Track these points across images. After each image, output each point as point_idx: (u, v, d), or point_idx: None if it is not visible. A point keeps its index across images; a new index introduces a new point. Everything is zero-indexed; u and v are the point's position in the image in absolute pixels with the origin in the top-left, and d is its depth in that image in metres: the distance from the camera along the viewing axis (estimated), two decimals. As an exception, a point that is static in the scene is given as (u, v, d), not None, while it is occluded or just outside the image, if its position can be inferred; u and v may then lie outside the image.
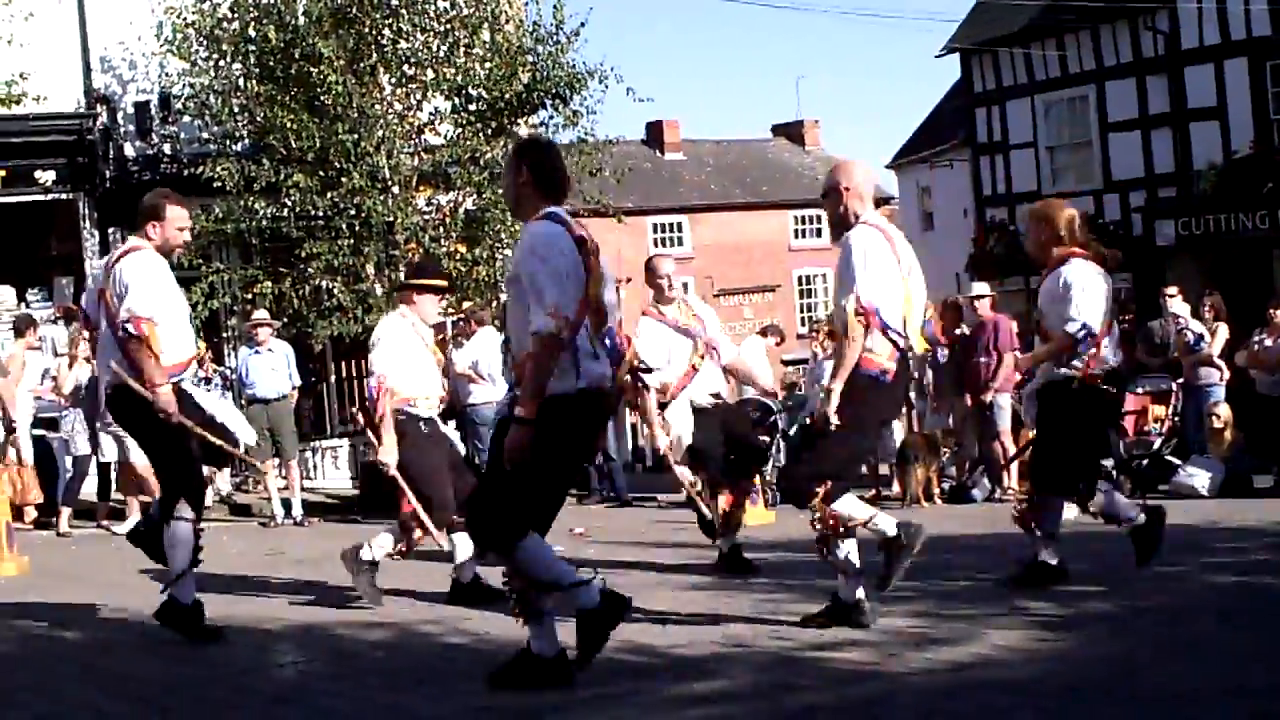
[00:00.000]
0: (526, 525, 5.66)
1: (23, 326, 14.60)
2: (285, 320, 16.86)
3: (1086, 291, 7.64)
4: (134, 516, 13.65)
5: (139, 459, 13.56)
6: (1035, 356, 7.88)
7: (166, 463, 7.17)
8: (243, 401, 14.46)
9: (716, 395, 9.18)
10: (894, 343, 6.54)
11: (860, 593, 6.73)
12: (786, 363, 25.30)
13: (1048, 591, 7.66)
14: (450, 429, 9.26)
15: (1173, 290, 15.48)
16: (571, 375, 5.58)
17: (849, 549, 6.69)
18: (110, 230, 18.12)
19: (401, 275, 17.55)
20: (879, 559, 6.78)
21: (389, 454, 7.94)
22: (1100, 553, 9.05)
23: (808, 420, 6.98)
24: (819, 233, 45.62)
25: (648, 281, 9.25)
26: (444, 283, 8.90)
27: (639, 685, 5.83)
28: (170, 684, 6.30)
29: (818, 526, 6.64)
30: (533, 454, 5.54)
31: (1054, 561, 7.86)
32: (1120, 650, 6.27)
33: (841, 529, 6.61)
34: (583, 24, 18.10)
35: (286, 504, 14.64)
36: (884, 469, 15.54)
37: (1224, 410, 14.09)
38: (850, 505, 6.68)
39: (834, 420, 6.44)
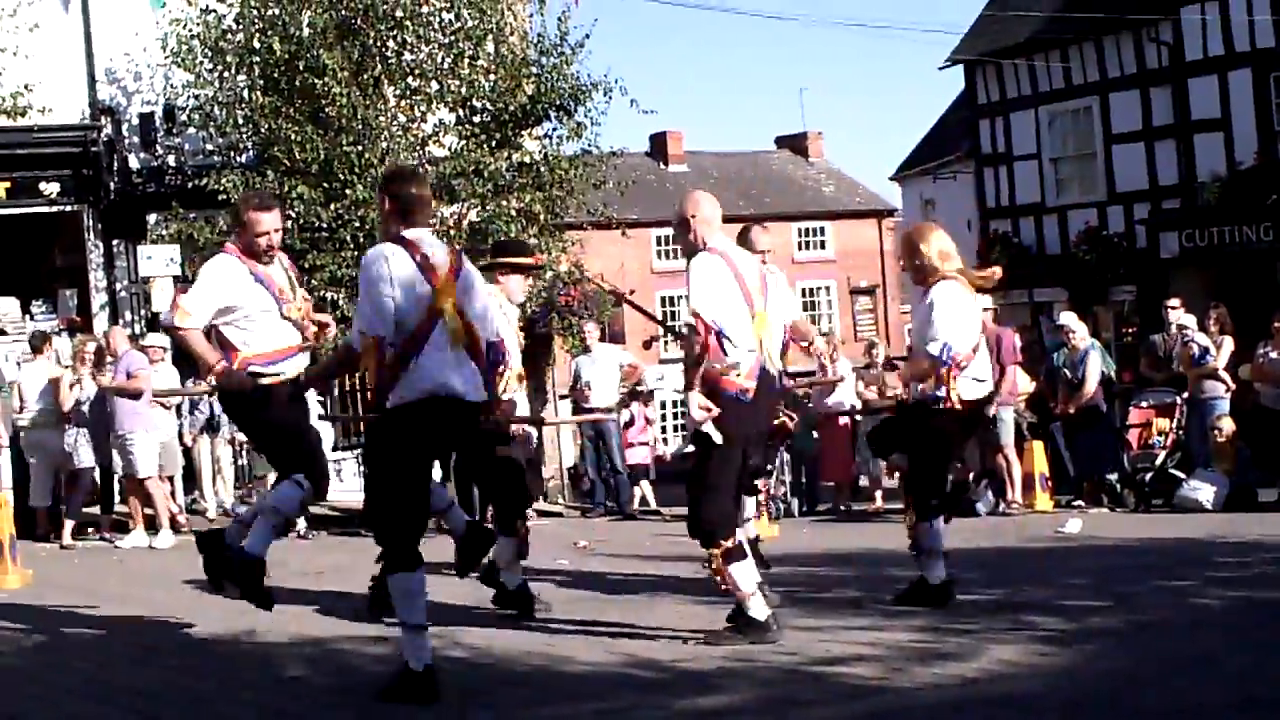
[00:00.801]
0: (413, 542, 5.99)
1: (39, 343, 14.73)
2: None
3: (950, 312, 7.65)
4: (138, 529, 13.68)
5: (143, 472, 13.60)
6: (900, 375, 7.91)
7: (272, 453, 7.51)
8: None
9: None
10: (741, 365, 6.80)
11: (764, 610, 6.88)
12: (792, 375, 25.27)
13: (1053, 607, 7.66)
14: None
15: (1174, 302, 15.47)
16: (415, 383, 5.96)
17: (743, 571, 6.89)
18: (115, 242, 18.13)
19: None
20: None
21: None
22: (1103, 568, 9.05)
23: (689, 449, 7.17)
24: (823, 245, 45.70)
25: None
26: (531, 260, 8.82)
27: (643, 699, 5.82)
28: (173, 696, 6.29)
29: (714, 576, 6.91)
30: (391, 461, 6.04)
31: (935, 580, 7.82)
32: (1125, 665, 6.25)
33: (727, 584, 6.83)
34: (587, 36, 18.09)
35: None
36: (889, 482, 15.53)
37: (1227, 424, 14.07)
38: (744, 575, 6.86)
39: (716, 436, 6.72)
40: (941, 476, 8.07)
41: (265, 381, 7.13)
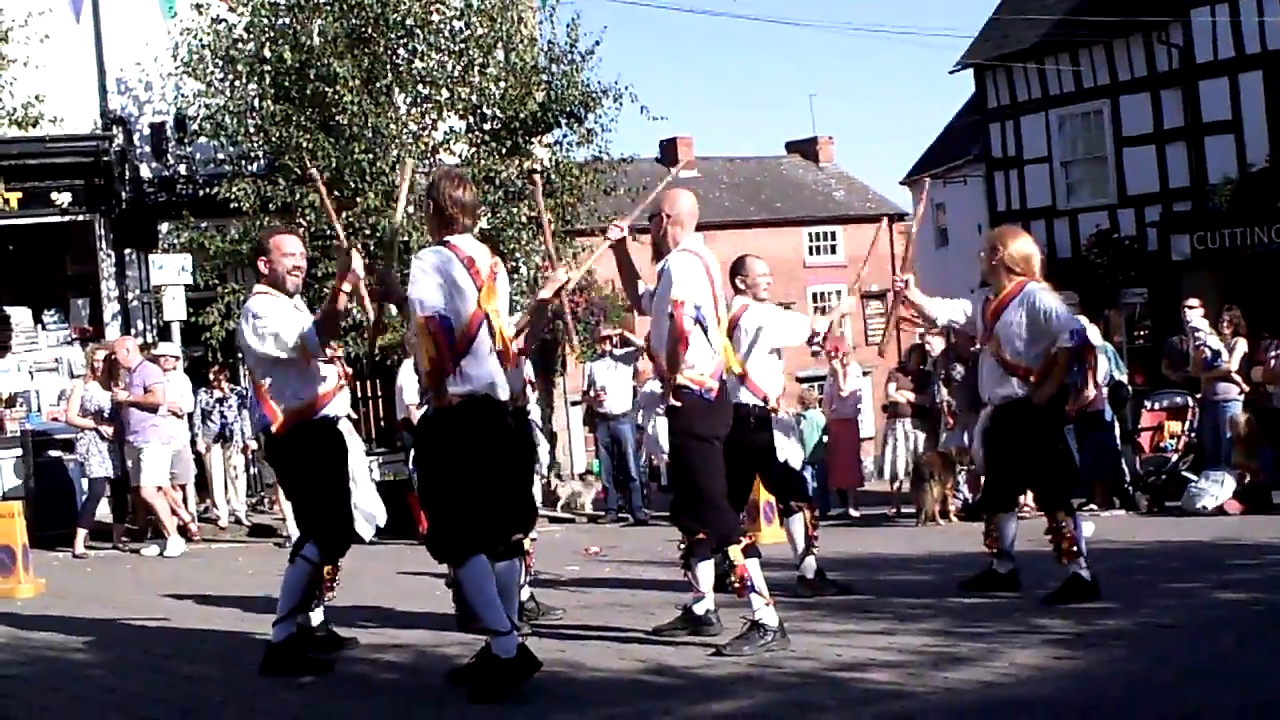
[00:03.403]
0: (476, 538, 5.98)
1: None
2: (301, 340, 16.82)
3: (1057, 303, 8.06)
4: (152, 545, 13.71)
5: (145, 482, 13.61)
6: (1046, 391, 7.97)
7: (297, 505, 7.12)
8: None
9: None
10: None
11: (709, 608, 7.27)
12: (801, 379, 25.25)
13: (1066, 610, 7.64)
14: None
15: (1194, 302, 15.39)
16: (465, 382, 6.03)
17: (703, 570, 7.24)
18: (126, 251, 18.18)
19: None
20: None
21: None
22: (1116, 571, 9.02)
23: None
24: (833, 249, 45.65)
25: (743, 282, 8.81)
26: None
27: (658, 705, 5.81)
28: (186, 705, 6.30)
29: (735, 580, 7.00)
30: (441, 461, 6.04)
31: (1088, 576, 8.00)
32: (1139, 668, 6.23)
33: (741, 588, 6.91)
34: (597, 43, 18.13)
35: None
36: (900, 486, 15.52)
37: (1242, 418, 14.01)
38: (705, 574, 7.25)
39: (672, 402, 6.90)
40: (1073, 466, 8.60)
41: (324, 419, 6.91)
